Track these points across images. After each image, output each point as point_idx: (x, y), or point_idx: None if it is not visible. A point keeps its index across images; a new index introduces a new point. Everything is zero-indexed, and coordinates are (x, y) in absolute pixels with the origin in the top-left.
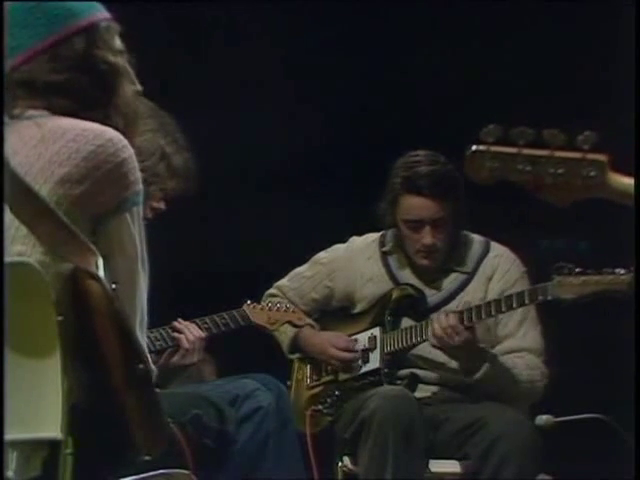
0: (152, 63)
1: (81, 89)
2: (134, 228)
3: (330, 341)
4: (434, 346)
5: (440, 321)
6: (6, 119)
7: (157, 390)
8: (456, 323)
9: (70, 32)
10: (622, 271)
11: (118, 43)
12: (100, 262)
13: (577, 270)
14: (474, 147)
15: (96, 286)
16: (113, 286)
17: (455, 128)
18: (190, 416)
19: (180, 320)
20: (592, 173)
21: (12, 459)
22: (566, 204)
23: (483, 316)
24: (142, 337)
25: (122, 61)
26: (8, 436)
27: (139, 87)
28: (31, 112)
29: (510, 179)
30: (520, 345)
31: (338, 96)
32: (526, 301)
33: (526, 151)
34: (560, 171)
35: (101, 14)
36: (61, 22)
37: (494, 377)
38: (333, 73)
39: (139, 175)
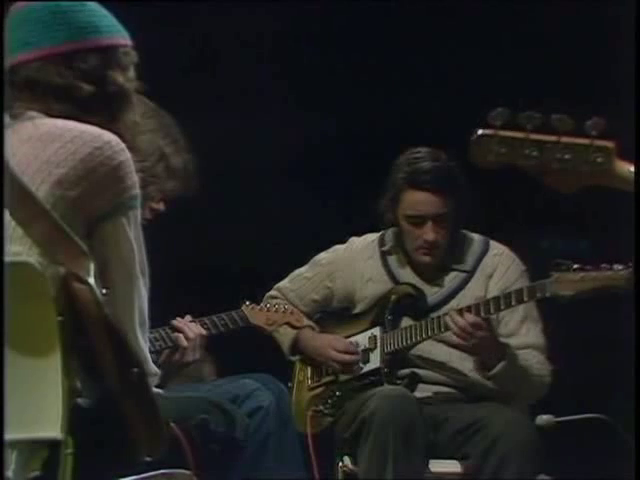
0: (152, 63)
1: (82, 98)
2: (131, 232)
3: (330, 344)
4: (454, 346)
5: (456, 320)
6: (7, 119)
7: (161, 391)
8: (474, 319)
9: (89, 46)
10: (620, 267)
11: (132, 71)
12: (92, 267)
13: (575, 267)
14: (481, 131)
15: (86, 292)
16: (104, 291)
17: (455, 126)
18: (197, 421)
19: (179, 319)
20: (599, 159)
21: (12, 459)
22: (572, 191)
23: (482, 314)
24: (144, 339)
25: (131, 89)
26: (8, 436)
27: (139, 120)
28: (31, 113)
29: (516, 164)
30: (525, 342)
31: (337, 96)
32: (525, 298)
33: (533, 136)
34: (567, 157)
35: (123, 39)
36: (83, 34)
37: (510, 371)
38: (332, 72)
39: (136, 179)
